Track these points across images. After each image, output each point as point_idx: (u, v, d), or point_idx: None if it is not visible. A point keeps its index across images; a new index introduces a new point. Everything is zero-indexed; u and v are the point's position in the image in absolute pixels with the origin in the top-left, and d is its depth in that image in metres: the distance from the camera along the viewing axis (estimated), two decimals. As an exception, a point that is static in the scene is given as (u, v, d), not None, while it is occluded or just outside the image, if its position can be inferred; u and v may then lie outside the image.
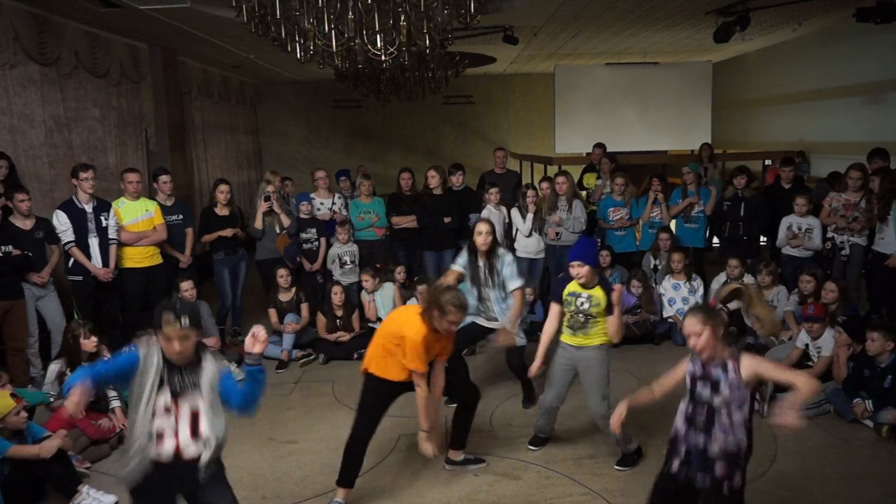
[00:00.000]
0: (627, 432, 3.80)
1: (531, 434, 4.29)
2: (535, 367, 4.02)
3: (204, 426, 2.59)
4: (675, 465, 2.82)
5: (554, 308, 3.98)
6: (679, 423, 2.84)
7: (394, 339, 3.54)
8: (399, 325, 3.55)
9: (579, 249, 3.86)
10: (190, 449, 2.58)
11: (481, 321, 4.74)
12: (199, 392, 2.58)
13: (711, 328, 2.69)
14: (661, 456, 3.85)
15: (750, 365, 2.70)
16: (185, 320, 2.53)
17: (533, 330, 6.35)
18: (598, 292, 3.83)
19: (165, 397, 2.55)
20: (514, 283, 4.55)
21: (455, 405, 4.17)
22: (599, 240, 7.54)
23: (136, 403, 2.55)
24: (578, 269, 3.80)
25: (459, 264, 4.70)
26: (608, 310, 3.83)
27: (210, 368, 2.63)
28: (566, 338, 3.98)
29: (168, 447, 2.55)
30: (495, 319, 4.66)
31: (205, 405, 2.59)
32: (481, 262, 4.60)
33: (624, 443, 3.88)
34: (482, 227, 4.57)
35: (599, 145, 8.48)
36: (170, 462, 2.56)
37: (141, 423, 2.52)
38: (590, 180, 8.35)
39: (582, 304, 3.85)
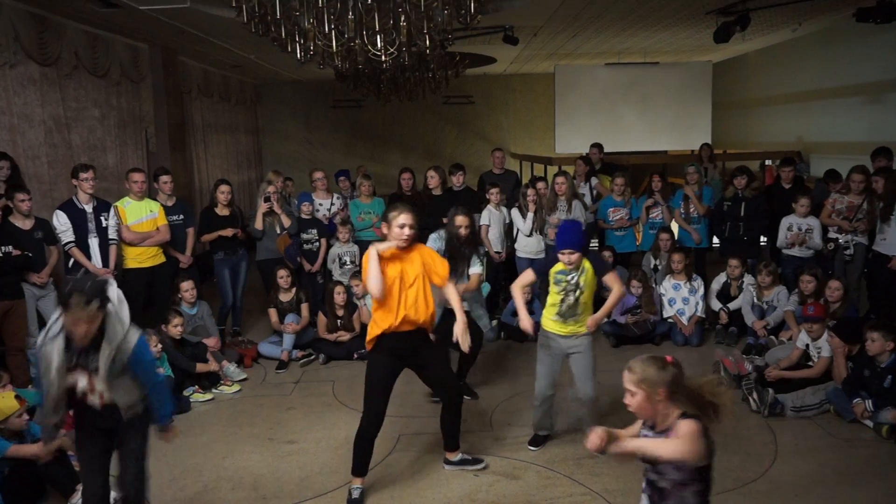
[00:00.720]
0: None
1: (531, 433, 4.28)
2: (527, 324, 4.00)
3: (107, 399, 2.80)
4: None
5: (529, 274, 4.06)
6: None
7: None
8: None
9: (566, 236, 3.86)
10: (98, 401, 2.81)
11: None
12: (97, 373, 2.74)
13: (646, 392, 2.26)
14: (636, 463, 3.84)
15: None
16: (96, 303, 2.64)
17: (533, 330, 6.38)
18: (584, 263, 3.91)
19: (72, 377, 2.74)
20: (475, 269, 4.74)
21: (440, 402, 4.05)
22: (598, 240, 7.56)
23: (46, 394, 2.75)
24: (570, 257, 3.84)
25: (434, 248, 4.62)
26: (597, 273, 3.91)
27: (109, 347, 2.72)
28: (555, 327, 4.00)
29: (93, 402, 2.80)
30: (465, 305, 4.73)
31: (103, 384, 2.75)
32: (464, 251, 4.71)
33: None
34: (463, 221, 4.67)
35: (596, 145, 8.46)
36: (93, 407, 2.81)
37: (56, 403, 2.75)
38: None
39: (573, 278, 3.89)
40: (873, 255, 5.82)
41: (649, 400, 2.26)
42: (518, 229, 6.69)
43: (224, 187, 6.39)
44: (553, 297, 4.00)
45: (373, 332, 3.62)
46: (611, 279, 3.97)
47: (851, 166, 6.10)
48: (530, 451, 4.18)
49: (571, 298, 3.90)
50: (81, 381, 2.76)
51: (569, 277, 3.90)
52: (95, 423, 2.89)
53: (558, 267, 3.93)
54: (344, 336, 6.04)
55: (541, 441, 4.24)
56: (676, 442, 2.20)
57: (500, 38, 8.20)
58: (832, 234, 6.08)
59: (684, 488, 2.27)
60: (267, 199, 6.38)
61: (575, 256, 3.83)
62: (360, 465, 3.69)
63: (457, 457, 4.02)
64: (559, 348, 4.02)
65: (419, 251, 3.64)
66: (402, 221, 3.48)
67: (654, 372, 2.26)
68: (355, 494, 3.64)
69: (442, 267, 3.66)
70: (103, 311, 2.68)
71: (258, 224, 6.39)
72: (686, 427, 2.20)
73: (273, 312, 6.16)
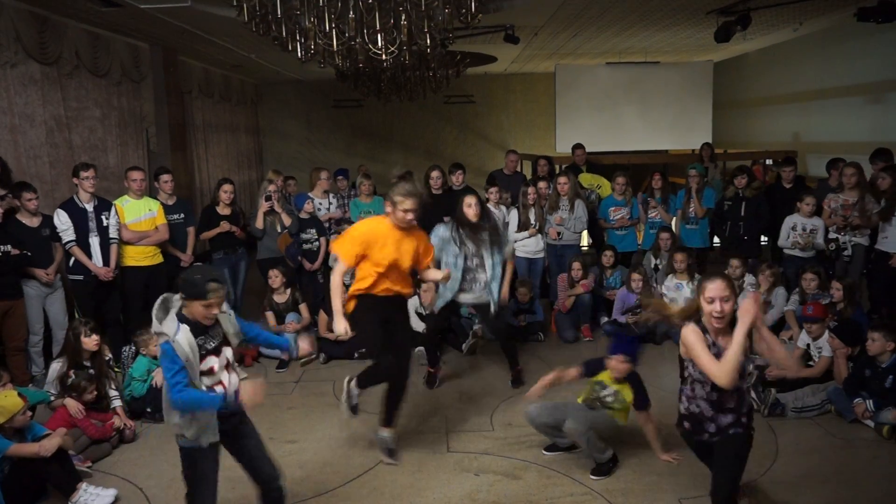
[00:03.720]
0: (600, 442, 3.78)
1: (531, 433, 4.25)
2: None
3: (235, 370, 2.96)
4: (705, 437, 3.00)
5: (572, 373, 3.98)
6: (704, 406, 2.96)
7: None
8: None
9: (626, 346, 3.82)
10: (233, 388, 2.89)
11: (466, 297, 5.00)
12: (229, 343, 2.94)
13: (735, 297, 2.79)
14: (636, 464, 3.91)
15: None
16: (225, 286, 2.87)
17: (534, 330, 6.39)
18: (625, 390, 3.82)
19: (208, 363, 2.83)
20: (501, 256, 4.95)
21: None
22: (601, 242, 7.55)
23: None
24: (619, 366, 3.78)
25: (440, 236, 4.86)
26: (635, 405, 3.84)
27: (228, 318, 2.95)
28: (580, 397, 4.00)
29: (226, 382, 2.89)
30: (477, 291, 4.95)
31: (231, 351, 2.95)
32: (472, 234, 4.83)
33: (598, 452, 3.80)
34: (471, 200, 4.81)
35: (579, 146, 8.41)
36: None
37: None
38: (589, 181, 8.31)
39: (606, 397, 3.85)
40: (875, 253, 5.80)
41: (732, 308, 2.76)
42: (508, 224, 6.73)
43: (227, 186, 6.39)
44: (586, 393, 3.96)
45: (359, 286, 3.90)
46: (643, 419, 3.89)
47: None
48: (528, 463, 4.08)
49: (598, 405, 3.86)
50: (216, 364, 2.85)
51: (604, 394, 3.84)
52: (222, 426, 2.90)
53: (601, 377, 3.88)
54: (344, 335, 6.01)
55: (556, 449, 4.13)
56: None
57: (500, 37, 8.19)
58: (832, 234, 6.08)
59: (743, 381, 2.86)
60: (268, 199, 6.38)
61: (624, 367, 3.77)
62: (389, 415, 4.07)
63: (385, 433, 4.09)
64: (582, 411, 3.92)
65: (417, 236, 4.00)
66: (406, 206, 3.78)
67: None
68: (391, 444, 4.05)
69: (427, 256, 4.09)
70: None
71: (259, 223, 6.38)
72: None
73: (270, 316, 6.12)
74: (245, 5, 4.59)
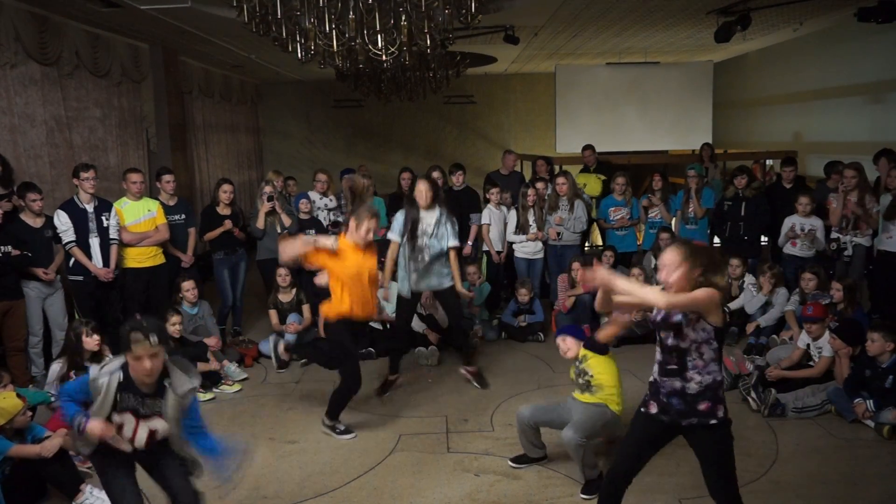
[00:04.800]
0: (593, 458, 3.74)
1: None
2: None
3: (159, 441, 2.76)
4: (654, 408, 2.86)
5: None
6: (655, 371, 2.88)
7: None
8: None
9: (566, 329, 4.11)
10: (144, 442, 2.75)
11: (424, 284, 5.10)
12: (163, 417, 2.72)
13: (688, 266, 2.65)
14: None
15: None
16: (154, 338, 2.59)
17: (534, 330, 6.38)
18: (582, 351, 3.94)
19: (120, 417, 2.68)
20: (453, 241, 5.03)
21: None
22: (601, 242, 7.56)
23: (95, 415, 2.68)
24: (562, 345, 3.99)
25: (400, 222, 5.05)
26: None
27: (176, 392, 2.70)
28: (577, 395, 3.97)
29: (125, 448, 2.73)
30: (434, 279, 5.06)
31: (165, 428, 2.73)
32: (423, 214, 4.98)
33: (588, 468, 3.73)
34: (422, 186, 4.98)
35: (589, 147, 8.44)
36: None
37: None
38: (581, 180, 8.31)
39: (579, 364, 3.93)
40: (879, 253, 5.80)
41: (687, 276, 2.66)
42: (507, 224, 6.75)
43: (227, 186, 6.38)
44: (571, 375, 4.02)
45: (337, 309, 4.37)
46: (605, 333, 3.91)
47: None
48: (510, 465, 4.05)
49: (582, 381, 3.90)
50: (128, 425, 2.69)
51: (577, 363, 3.95)
52: (126, 455, 2.81)
53: (582, 352, 3.98)
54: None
55: (526, 461, 4.06)
56: (687, 295, 2.63)
57: (500, 37, 8.19)
58: (833, 234, 6.08)
59: (703, 346, 2.71)
60: (270, 199, 6.36)
61: (566, 344, 3.96)
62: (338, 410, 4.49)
63: (327, 422, 4.47)
64: (577, 409, 3.89)
65: (373, 251, 4.53)
66: (368, 227, 4.35)
67: (697, 250, 2.72)
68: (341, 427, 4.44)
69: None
70: (165, 346, 2.66)
71: (260, 223, 6.38)
72: (705, 290, 2.63)
73: (273, 314, 6.15)
74: (245, 6, 4.59)
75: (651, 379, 2.91)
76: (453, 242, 5.03)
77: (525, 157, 12.17)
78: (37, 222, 5.21)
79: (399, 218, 5.10)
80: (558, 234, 6.67)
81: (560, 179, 6.72)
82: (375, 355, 5.89)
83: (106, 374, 2.64)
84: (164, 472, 2.89)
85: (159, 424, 2.71)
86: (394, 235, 5.06)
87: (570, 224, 6.65)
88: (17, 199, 5.13)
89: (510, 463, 4.03)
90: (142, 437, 2.72)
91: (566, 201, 6.68)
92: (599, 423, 3.81)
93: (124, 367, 2.66)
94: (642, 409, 2.92)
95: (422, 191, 4.99)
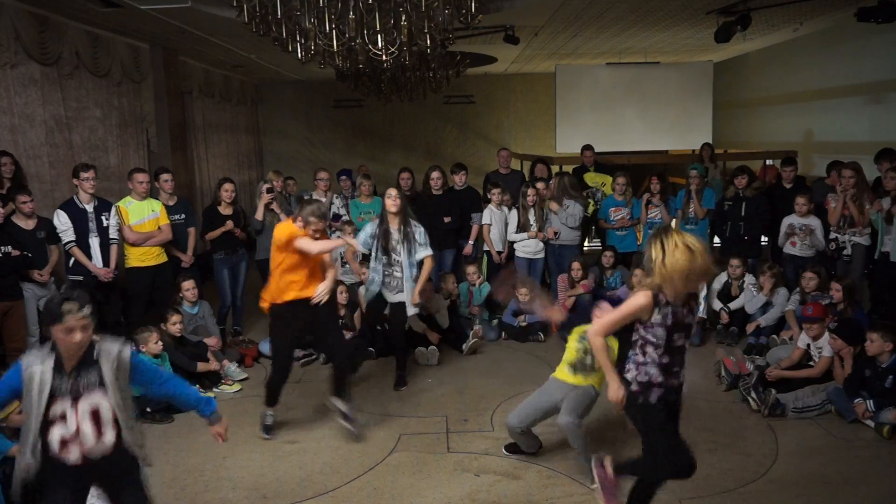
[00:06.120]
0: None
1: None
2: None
3: (106, 425, 2.52)
4: (655, 397, 2.89)
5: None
6: (653, 372, 2.87)
7: (278, 250, 4.22)
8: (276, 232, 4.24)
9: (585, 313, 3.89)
10: (96, 450, 2.51)
11: (388, 295, 5.11)
12: (103, 388, 2.50)
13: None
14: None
15: None
16: (87, 307, 2.45)
17: (534, 330, 6.38)
18: (612, 341, 3.76)
19: (61, 405, 2.46)
20: (423, 252, 5.01)
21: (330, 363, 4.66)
22: (600, 240, 7.56)
23: (27, 418, 2.47)
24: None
25: (367, 232, 5.06)
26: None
27: (109, 357, 2.52)
28: (563, 376, 3.93)
29: (74, 454, 2.48)
30: (401, 291, 5.06)
31: (109, 400, 2.51)
32: (393, 228, 4.96)
33: (592, 451, 3.80)
34: (392, 192, 4.96)
35: (588, 147, 8.44)
36: (77, 464, 2.49)
37: (34, 437, 2.45)
38: (594, 179, 8.32)
39: (587, 355, 3.84)
40: (880, 254, 5.78)
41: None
42: (508, 225, 6.75)
43: (228, 185, 6.38)
44: (570, 354, 3.94)
45: (281, 296, 4.25)
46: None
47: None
48: (528, 464, 4.05)
49: (589, 359, 3.84)
50: (70, 414, 2.45)
51: (584, 340, 3.83)
52: (73, 477, 2.51)
53: (584, 329, 3.83)
54: (345, 335, 6.02)
55: (519, 451, 4.11)
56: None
57: (500, 37, 8.19)
58: (832, 234, 6.07)
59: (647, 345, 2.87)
60: (270, 191, 6.32)
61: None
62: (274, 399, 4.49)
63: (338, 403, 4.35)
64: (563, 394, 3.89)
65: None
66: (317, 228, 4.15)
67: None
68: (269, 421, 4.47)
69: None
70: (94, 317, 2.49)
71: (259, 215, 6.33)
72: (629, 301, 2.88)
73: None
74: (245, 6, 4.59)
75: (645, 380, 2.88)
76: (423, 253, 5.02)
77: (525, 158, 12.21)
78: (29, 224, 5.20)
79: (367, 229, 5.09)
80: (556, 233, 6.68)
81: (540, 185, 6.86)
82: (376, 355, 5.89)
83: (37, 361, 2.45)
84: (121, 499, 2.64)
85: (100, 399, 2.49)
86: (360, 247, 5.07)
87: (564, 217, 6.64)
88: (13, 205, 5.14)
89: (504, 450, 4.11)
90: (87, 430, 2.47)
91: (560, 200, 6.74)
92: (588, 403, 3.87)
93: (54, 348, 2.46)
94: (650, 401, 2.89)
95: (391, 195, 4.96)
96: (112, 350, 2.54)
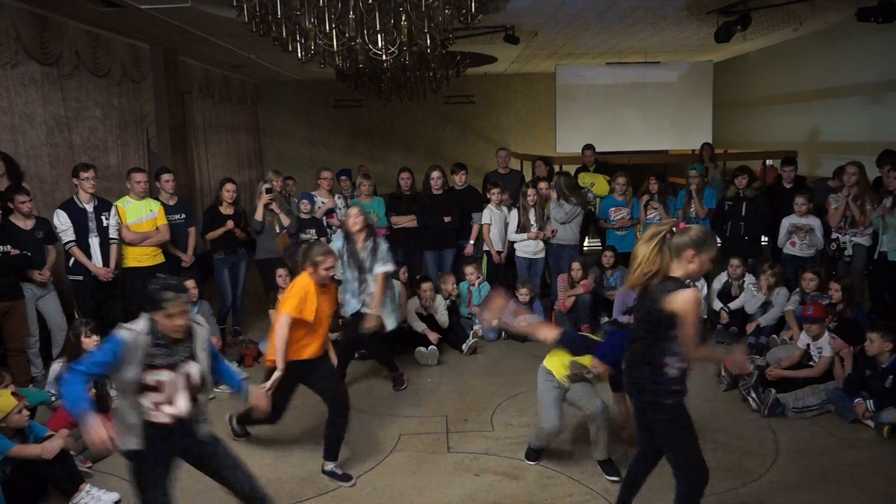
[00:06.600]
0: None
1: (532, 434, 4.26)
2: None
3: (192, 391, 2.84)
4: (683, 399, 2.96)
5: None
6: (676, 378, 2.90)
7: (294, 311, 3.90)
8: (290, 288, 3.97)
9: (608, 351, 3.66)
10: (185, 413, 2.82)
11: (362, 307, 5.03)
12: (195, 359, 2.85)
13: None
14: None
15: None
16: (185, 295, 2.80)
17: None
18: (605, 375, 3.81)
19: (157, 375, 2.74)
20: (380, 268, 4.90)
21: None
22: (600, 240, 7.56)
23: (123, 388, 2.76)
24: (598, 366, 3.70)
25: (336, 247, 4.90)
26: (611, 385, 3.86)
27: (201, 333, 2.90)
28: (556, 370, 3.90)
29: (165, 417, 2.78)
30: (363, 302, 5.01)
31: (199, 369, 2.85)
32: (359, 245, 4.92)
33: (610, 442, 3.81)
34: (353, 211, 4.92)
35: (589, 146, 8.45)
36: (168, 424, 2.79)
37: (133, 404, 2.74)
38: (584, 179, 8.31)
39: (587, 374, 3.84)
40: (880, 255, 5.78)
41: None
42: (508, 225, 6.75)
43: (230, 185, 6.38)
44: (563, 371, 3.90)
45: (298, 355, 3.90)
46: (618, 398, 3.95)
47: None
48: (528, 463, 4.06)
49: (589, 377, 3.85)
50: (168, 379, 2.75)
51: (585, 372, 3.84)
52: (165, 446, 2.82)
53: (585, 361, 3.79)
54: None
55: (537, 458, 4.08)
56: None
57: (500, 37, 8.19)
58: (833, 234, 6.08)
59: None
60: (269, 191, 6.32)
61: (601, 369, 3.70)
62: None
63: (328, 467, 3.94)
64: (560, 387, 3.89)
65: (332, 289, 4.18)
66: (329, 265, 3.91)
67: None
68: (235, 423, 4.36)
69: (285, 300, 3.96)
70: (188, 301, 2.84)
71: (258, 215, 6.34)
72: None
73: (272, 314, 6.12)
74: (245, 6, 4.59)
75: (676, 388, 2.92)
76: (380, 269, 4.89)
77: (525, 158, 12.21)
78: (27, 224, 5.19)
79: (337, 244, 5.04)
80: (553, 231, 6.68)
81: (542, 185, 6.85)
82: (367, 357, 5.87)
83: (137, 334, 2.71)
84: (214, 464, 2.97)
85: (192, 367, 2.83)
86: (384, 268, 4.97)
87: (561, 215, 6.64)
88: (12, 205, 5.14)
89: (526, 459, 4.05)
90: (181, 401, 2.78)
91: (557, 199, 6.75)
92: (591, 386, 3.91)
93: (150, 325, 2.74)
94: (681, 404, 2.96)
95: (353, 214, 4.92)
96: (202, 328, 2.90)
